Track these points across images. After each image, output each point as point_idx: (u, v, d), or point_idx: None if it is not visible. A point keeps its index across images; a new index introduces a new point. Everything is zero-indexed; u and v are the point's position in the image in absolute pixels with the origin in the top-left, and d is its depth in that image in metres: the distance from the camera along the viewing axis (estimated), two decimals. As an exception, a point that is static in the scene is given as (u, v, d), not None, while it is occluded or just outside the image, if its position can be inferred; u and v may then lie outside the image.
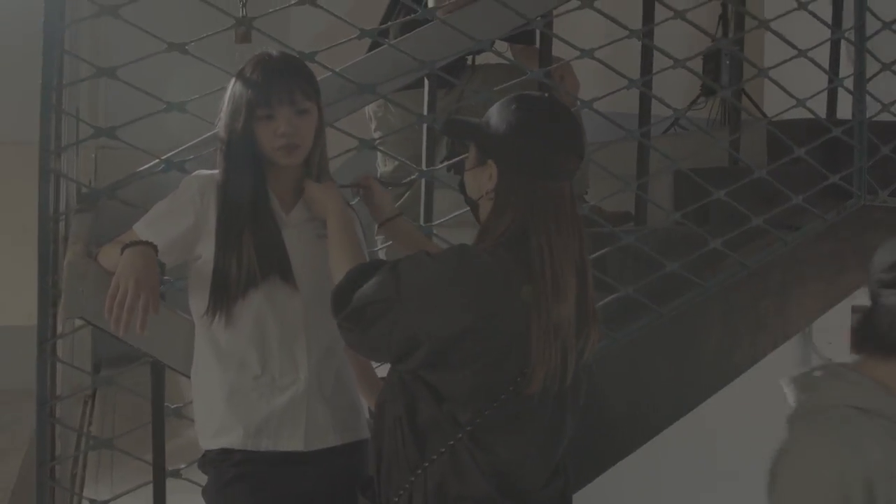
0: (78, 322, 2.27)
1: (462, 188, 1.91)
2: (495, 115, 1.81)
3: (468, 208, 1.99)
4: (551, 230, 1.74)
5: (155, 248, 1.98)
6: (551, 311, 1.71)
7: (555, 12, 2.80)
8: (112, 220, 2.34)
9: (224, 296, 2.01)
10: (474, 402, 1.71)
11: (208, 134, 2.38)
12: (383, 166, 3.29)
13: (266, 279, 2.01)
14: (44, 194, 2.24)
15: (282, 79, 2.00)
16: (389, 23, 2.87)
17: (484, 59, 3.23)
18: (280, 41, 2.30)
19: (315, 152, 2.07)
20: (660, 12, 2.87)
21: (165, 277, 2.17)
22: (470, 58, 3.26)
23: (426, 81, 2.65)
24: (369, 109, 3.22)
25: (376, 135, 3.25)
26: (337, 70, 2.48)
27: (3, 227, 5.67)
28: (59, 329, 2.29)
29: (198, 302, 2.06)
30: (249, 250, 2.00)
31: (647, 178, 2.89)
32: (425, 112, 2.64)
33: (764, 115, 3.98)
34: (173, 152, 2.39)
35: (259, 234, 2.01)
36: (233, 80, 2.05)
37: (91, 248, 2.16)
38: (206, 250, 2.04)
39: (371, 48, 2.89)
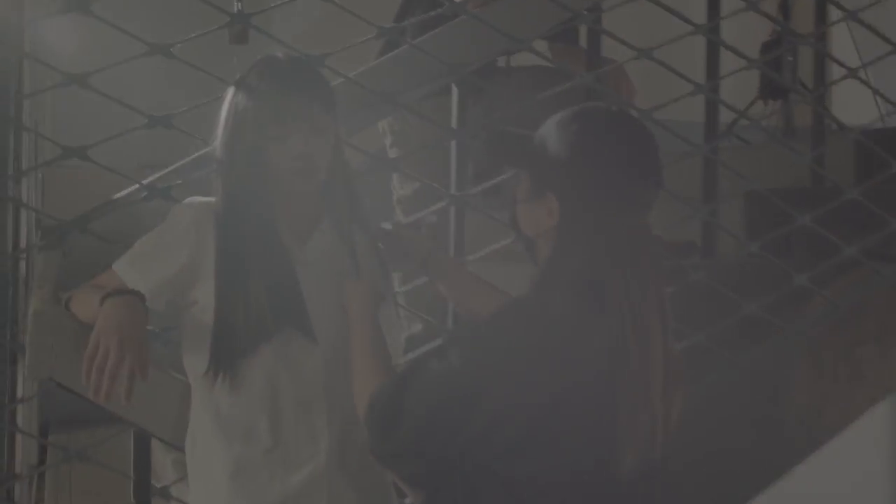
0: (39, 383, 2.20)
1: (513, 223, 1.85)
2: (553, 137, 1.74)
3: (509, 241, 1.93)
4: (629, 277, 1.68)
5: (142, 297, 1.91)
6: (637, 374, 1.66)
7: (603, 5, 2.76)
8: (81, 259, 2.29)
9: (228, 352, 1.93)
10: (554, 487, 1.65)
11: (197, 154, 2.34)
12: (400, 189, 3.22)
13: (280, 331, 1.94)
14: (0, 227, 2.18)
15: (296, 90, 1.94)
16: (411, 19, 2.80)
17: (517, 60, 3.18)
18: (286, 43, 2.25)
19: (335, 176, 2.01)
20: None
21: (149, 328, 2.09)
22: (504, 59, 3.21)
23: (454, 89, 2.59)
24: (384, 123, 3.17)
25: (392, 152, 3.20)
26: (350, 75, 2.43)
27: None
28: (20, 391, 2.22)
29: (195, 359, 1.98)
30: (258, 295, 1.93)
31: (716, 202, 2.84)
32: (454, 124, 2.59)
33: (837, 122, 3.93)
34: (155, 176, 2.33)
35: (270, 274, 1.94)
36: (231, 89, 1.99)
37: (60, 294, 2.08)
38: (204, 295, 1.96)
39: (384, 49, 2.85)
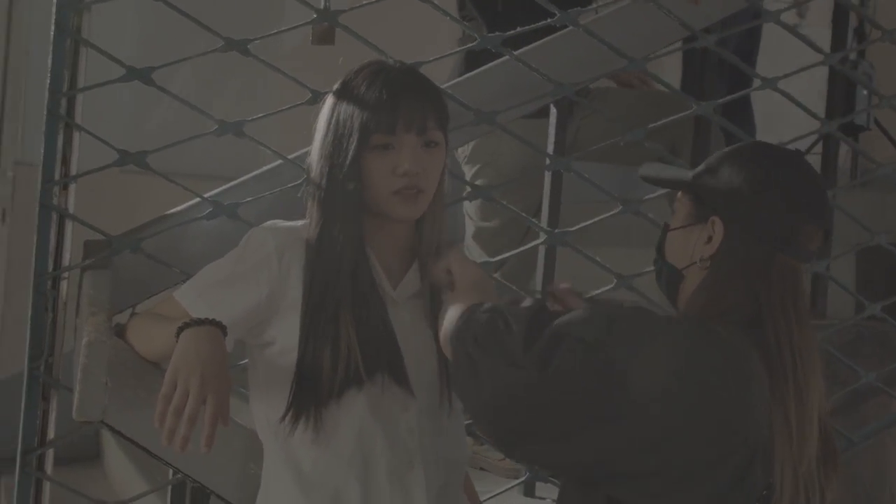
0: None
1: (659, 251, 1.83)
2: (726, 162, 1.76)
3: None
4: (792, 320, 1.68)
5: (224, 329, 1.78)
6: (792, 428, 1.64)
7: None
8: (127, 281, 2.17)
9: (312, 397, 1.82)
10: None
11: (267, 167, 2.28)
12: (481, 220, 3.09)
13: (371, 379, 1.83)
14: (43, 240, 2.08)
15: (411, 98, 1.83)
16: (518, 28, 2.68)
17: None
18: (375, 46, 2.17)
19: (433, 206, 1.90)
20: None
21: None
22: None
23: (552, 110, 2.49)
24: (466, 147, 3.05)
25: (477, 180, 3.06)
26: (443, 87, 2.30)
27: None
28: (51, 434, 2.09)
29: (269, 404, 1.87)
30: (349, 336, 1.82)
31: (829, 258, 2.72)
32: (549, 149, 2.47)
33: None
34: (218, 190, 2.22)
35: (361, 314, 1.84)
36: (329, 97, 1.88)
37: (113, 322, 1.96)
38: (284, 334, 1.85)
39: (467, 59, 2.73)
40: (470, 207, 3.08)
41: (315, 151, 1.88)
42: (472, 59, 2.46)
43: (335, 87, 1.88)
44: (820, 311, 2.81)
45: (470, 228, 3.16)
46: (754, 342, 1.65)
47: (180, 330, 1.75)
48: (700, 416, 1.58)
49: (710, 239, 1.72)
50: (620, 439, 1.57)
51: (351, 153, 1.82)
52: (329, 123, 1.86)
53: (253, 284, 1.85)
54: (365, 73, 1.86)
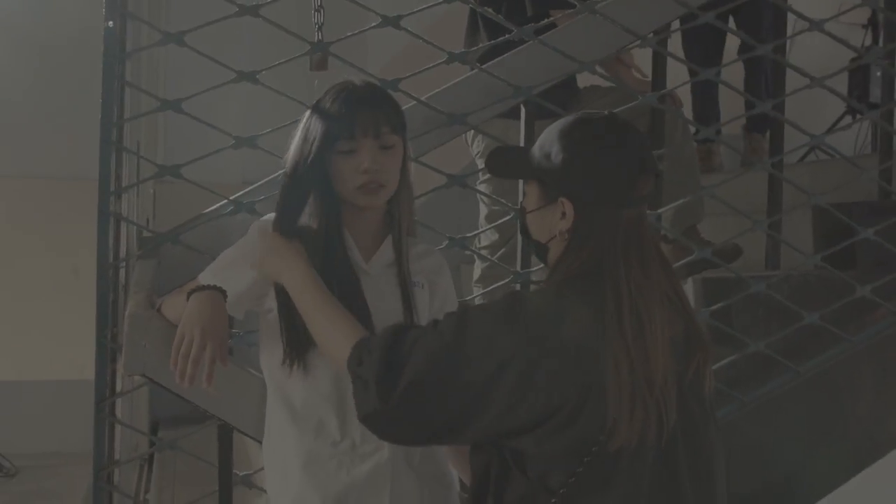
0: (138, 379, 2.51)
1: (524, 232, 2.04)
2: (558, 146, 1.91)
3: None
4: (634, 263, 1.86)
5: (224, 293, 2.17)
6: (632, 357, 1.80)
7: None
8: (174, 267, 2.58)
9: (299, 342, 2.15)
10: (560, 463, 1.81)
11: (280, 171, 2.63)
12: (492, 204, 3.46)
13: None
14: (102, 239, 2.49)
15: (366, 109, 2.16)
16: (480, 45, 3.06)
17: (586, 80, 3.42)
18: (360, 68, 2.52)
19: (400, 194, 2.25)
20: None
21: (234, 331, 2.36)
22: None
23: (522, 109, 2.84)
24: (476, 142, 3.45)
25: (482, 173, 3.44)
26: (422, 99, 2.70)
27: (52, 269, 6.05)
28: (119, 387, 2.52)
29: (270, 356, 2.22)
30: None
31: (779, 215, 3.01)
32: (521, 143, 2.83)
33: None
34: (242, 192, 2.63)
35: (334, 280, 2.16)
36: (308, 111, 2.24)
37: (154, 298, 2.38)
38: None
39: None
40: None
41: (289, 154, 2.22)
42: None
43: (313, 103, 2.24)
44: (773, 263, 3.04)
45: (483, 210, 3.53)
46: (590, 294, 1.83)
47: (188, 295, 2.15)
48: (527, 369, 1.78)
49: (563, 215, 1.90)
50: (492, 408, 1.82)
51: (313, 154, 2.16)
52: (301, 131, 2.21)
53: (251, 265, 2.20)
54: (333, 91, 2.21)
